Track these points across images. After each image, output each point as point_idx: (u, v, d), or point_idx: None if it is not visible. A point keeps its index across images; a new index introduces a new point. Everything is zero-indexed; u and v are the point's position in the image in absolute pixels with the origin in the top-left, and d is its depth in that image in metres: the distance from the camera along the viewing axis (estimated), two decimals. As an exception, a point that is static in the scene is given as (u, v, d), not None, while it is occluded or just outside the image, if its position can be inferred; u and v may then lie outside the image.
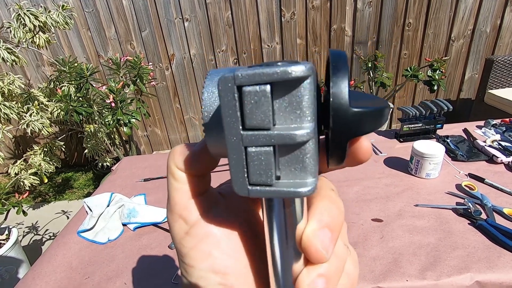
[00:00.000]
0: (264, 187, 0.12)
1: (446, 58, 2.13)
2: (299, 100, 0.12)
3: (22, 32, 1.64)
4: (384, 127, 2.22)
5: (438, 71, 1.82)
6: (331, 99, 0.12)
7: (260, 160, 0.12)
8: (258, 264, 0.17)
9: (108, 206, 0.90)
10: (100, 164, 2.15)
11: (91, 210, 0.88)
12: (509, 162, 0.96)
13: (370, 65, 2.04)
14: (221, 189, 0.19)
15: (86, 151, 2.05)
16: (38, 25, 1.66)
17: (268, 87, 0.11)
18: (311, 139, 0.12)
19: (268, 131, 0.12)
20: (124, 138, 2.18)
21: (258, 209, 0.20)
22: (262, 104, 0.11)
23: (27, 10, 1.62)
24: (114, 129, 1.93)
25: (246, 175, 0.13)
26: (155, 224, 0.87)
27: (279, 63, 0.11)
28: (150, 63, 2.19)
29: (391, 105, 2.29)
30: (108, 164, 2.11)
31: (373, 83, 2.09)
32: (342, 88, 0.12)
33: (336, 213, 0.15)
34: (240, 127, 0.12)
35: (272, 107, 0.12)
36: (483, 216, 0.77)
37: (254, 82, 0.11)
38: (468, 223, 0.77)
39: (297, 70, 0.11)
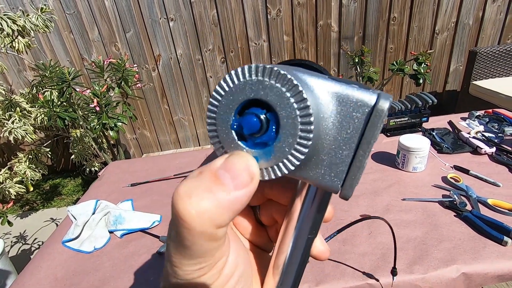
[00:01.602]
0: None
1: (431, 51, 2.16)
2: None
3: (0, 37, 1.59)
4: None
5: (423, 64, 1.84)
6: None
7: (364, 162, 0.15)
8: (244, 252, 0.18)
9: (93, 213, 0.88)
10: (88, 169, 2.11)
11: (75, 219, 0.86)
12: (492, 152, 0.98)
13: (357, 60, 2.05)
14: None
15: (73, 156, 2.01)
16: (17, 29, 1.60)
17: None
18: None
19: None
20: (111, 142, 2.14)
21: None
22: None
23: (4, 14, 1.57)
24: (101, 133, 1.89)
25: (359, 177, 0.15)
26: (143, 230, 0.85)
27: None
28: (135, 65, 2.16)
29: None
30: (96, 169, 2.08)
31: (361, 78, 2.10)
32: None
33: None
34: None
35: None
36: (469, 207, 0.78)
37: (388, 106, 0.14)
38: (454, 215, 0.77)
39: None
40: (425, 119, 1.16)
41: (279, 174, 0.15)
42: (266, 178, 0.15)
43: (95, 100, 1.50)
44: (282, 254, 0.18)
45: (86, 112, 1.74)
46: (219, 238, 0.14)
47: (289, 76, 0.14)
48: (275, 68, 0.14)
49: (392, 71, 1.89)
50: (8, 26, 1.56)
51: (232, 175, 0.13)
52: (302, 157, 0.14)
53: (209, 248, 0.14)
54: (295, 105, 0.14)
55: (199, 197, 0.13)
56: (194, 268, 0.14)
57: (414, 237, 0.73)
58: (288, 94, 0.14)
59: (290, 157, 0.14)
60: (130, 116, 1.72)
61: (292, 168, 0.14)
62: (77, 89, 1.61)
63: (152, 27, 2.26)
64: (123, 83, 1.68)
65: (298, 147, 0.14)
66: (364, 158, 0.14)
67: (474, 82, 2.08)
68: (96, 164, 2.09)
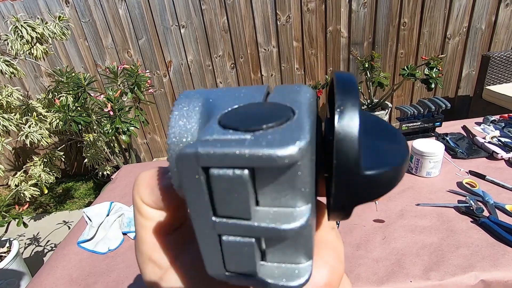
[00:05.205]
0: (246, 276, 0.10)
1: (442, 56, 2.13)
2: (290, 185, 0.09)
3: (20, 44, 1.65)
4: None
5: (435, 69, 1.82)
6: (334, 162, 0.10)
7: (241, 251, 0.10)
8: None
9: (107, 215, 0.90)
10: (100, 173, 2.14)
11: (90, 220, 0.88)
12: (509, 158, 0.96)
13: (367, 66, 2.04)
14: None
15: (86, 160, 2.04)
16: (35, 36, 1.66)
17: (245, 173, 0.09)
18: (307, 227, 0.10)
19: (248, 221, 0.09)
20: (123, 146, 2.17)
21: None
22: (237, 193, 0.09)
23: (24, 22, 1.63)
24: (113, 137, 1.93)
25: (222, 262, 0.10)
26: (156, 232, 0.86)
27: (263, 130, 0.09)
28: (147, 71, 2.20)
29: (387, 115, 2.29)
30: (108, 172, 2.11)
31: (371, 83, 2.09)
32: (351, 147, 0.09)
33: (337, 267, 0.13)
34: (211, 213, 0.10)
35: (255, 191, 0.10)
36: (486, 213, 0.77)
37: (226, 165, 0.09)
38: (471, 221, 0.76)
39: (287, 154, 0.08)
40: (438, 123, 1.15)
41: None
42: None
43: (109, 105, 1.54)
44: None
45: (99, 117, 1.78)
46: (144, 214, 0.14)
47: None
48: None
49: (403, 76, 1.88)
50: (27, 33, 1.62)
51: None
52: None
53: (140, 224, 0.14)
54: None
55: None
56: (141, 259, 0.15)
57: (430, 243, 0.71)
58: None
59: None
60: (142, 120, 1.75)
61: None
62: (91, 94, 1.65)
63: (163, 34, 2.31)
64: (136, 88, 1.71)
65: None
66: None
67: (488, 87, 2.04)
68: (108, 168, 2.13)
